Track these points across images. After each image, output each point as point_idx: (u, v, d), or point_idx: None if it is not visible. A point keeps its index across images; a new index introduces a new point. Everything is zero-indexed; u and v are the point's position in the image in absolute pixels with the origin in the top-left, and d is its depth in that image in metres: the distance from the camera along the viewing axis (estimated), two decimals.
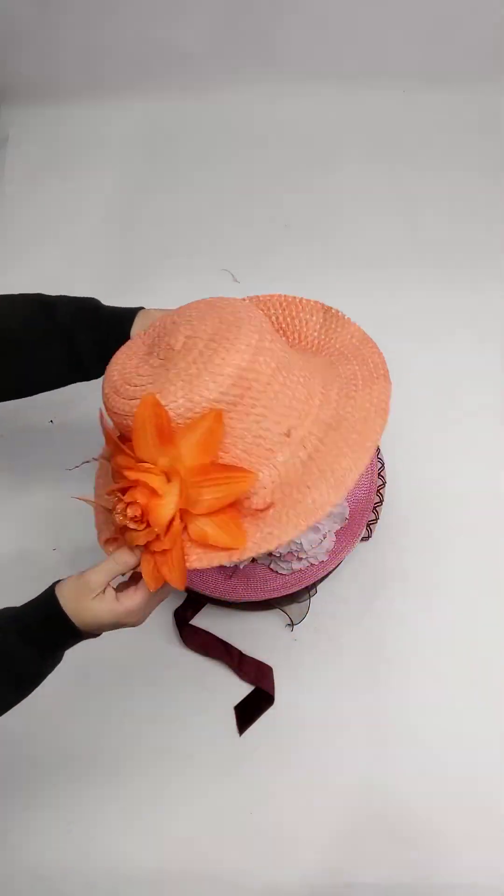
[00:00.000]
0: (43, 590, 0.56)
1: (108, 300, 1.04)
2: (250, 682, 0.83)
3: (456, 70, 1.16)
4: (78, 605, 0.53)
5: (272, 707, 0.82)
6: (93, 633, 0.55)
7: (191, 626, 0.86)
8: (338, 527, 0.81)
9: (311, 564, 0.80)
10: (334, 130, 1.16)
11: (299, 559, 0.79)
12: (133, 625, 0.56)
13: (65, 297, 0.69)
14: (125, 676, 0.84)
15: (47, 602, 0.54)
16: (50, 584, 0.56)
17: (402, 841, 0.78)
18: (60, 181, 1.14)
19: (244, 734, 0.82)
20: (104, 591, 0.54)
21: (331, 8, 1.10)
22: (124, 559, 0.54)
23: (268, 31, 1.12)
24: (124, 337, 0.65)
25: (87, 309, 0.67)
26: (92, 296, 1.05)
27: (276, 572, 0.80)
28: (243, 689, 0.84)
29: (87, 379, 0.69)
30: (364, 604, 0.86)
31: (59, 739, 0.82)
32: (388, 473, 0.90)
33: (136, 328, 0.66)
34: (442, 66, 1.16)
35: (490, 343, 1.00)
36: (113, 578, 0.54)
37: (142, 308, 0.68)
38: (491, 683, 0.83)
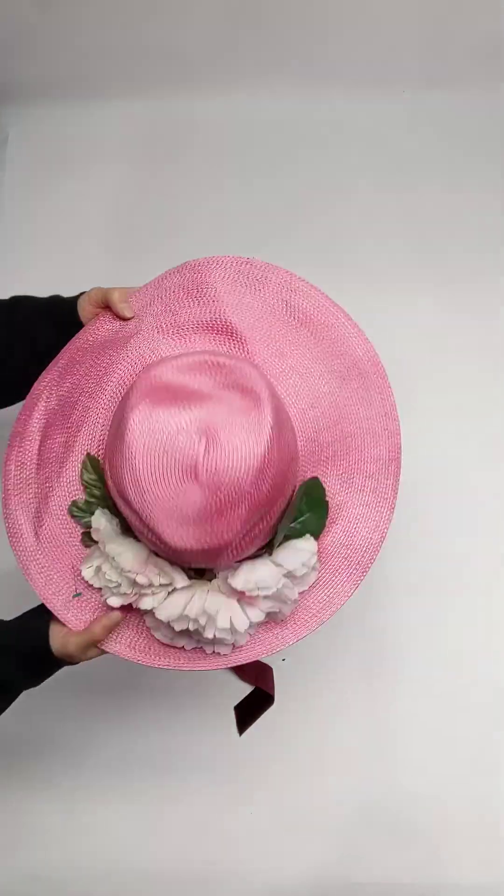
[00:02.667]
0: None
1: None
2: (250, 682, 0.83)
3: (457, 72, 1.15)
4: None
5: (272, 707, 0.83)
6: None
7: None
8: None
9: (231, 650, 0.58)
10: (334, 131, 1.15)
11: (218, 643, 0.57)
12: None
13: (20, 298, 0.69)
14: (125, 676, 0.84)
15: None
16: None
17: (402, 841, 0.78)
18: (60, 181, 1.14)
19: (244, 734, 0.82)
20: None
21: (331, 9, 1.10)
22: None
23: (268, 31, 1.12)
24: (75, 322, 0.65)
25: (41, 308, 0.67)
26: None
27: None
28: (243, 689, 0.84)
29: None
30: (364, 603, 0.86)
31: (60, 739, 0.82)
32: None
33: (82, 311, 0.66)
34: (443, 67, 1.15)
35: (490, 343, 1.00)
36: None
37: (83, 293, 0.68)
38: (491, 683, 0.83)
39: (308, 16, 1.11)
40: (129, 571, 0.54)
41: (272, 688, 0.83)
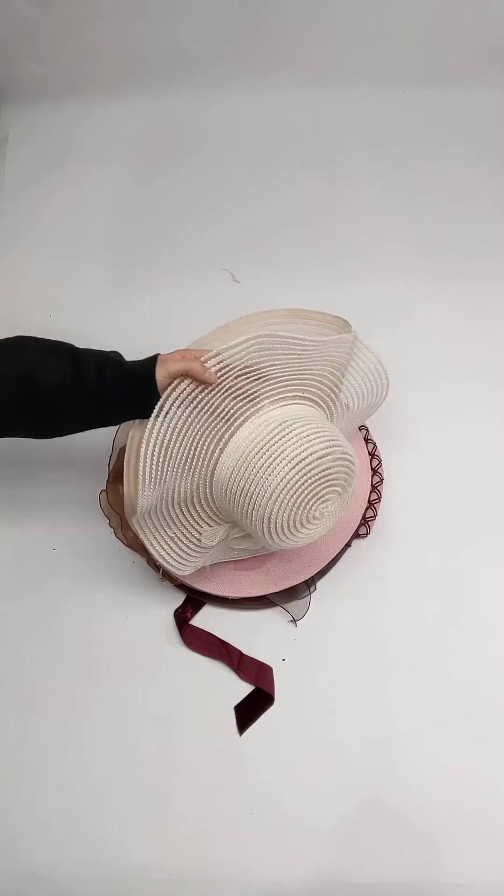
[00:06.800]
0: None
1: (108, 299, 1.05)
2: (250, 682, 0.83)
3: (456, 70, 1.16)
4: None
5: (272, 707, 0.83)
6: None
7: (191, 626, 0.86)
8: None
9: None
10: (334, 130, 1.16)
11: None
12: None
13: (91, 350, 0.72)
14: (125, 676, 0.84)
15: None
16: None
17: (402, 841, 0.78)
18: (60, 181, 1.14)
19: (244, 734, 0.82)
20: None
21: (331, 8, 1.10)
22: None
23: (268, 31, 1.13)
24: (149, 389, 0.69)
25: (110, 364, 0.71)
26: (91, 296, 1.05)
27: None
28: (243, 689, 0.84)
29: (109, 425, 0.73)
30: (363, 600, 0.86)
31: (60, 738, 0.82)
32: (385, 470, 0.90)
33: (159, 376, 0.69)
34: (442, 66, 1.16)
35: (488, 337, 1.00)
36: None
37: (157, 355, 0.71)
38: (491, 681, 0.83)
39: (308, 16, 1.11)
40: None
41: (272, 688, 0.83)
